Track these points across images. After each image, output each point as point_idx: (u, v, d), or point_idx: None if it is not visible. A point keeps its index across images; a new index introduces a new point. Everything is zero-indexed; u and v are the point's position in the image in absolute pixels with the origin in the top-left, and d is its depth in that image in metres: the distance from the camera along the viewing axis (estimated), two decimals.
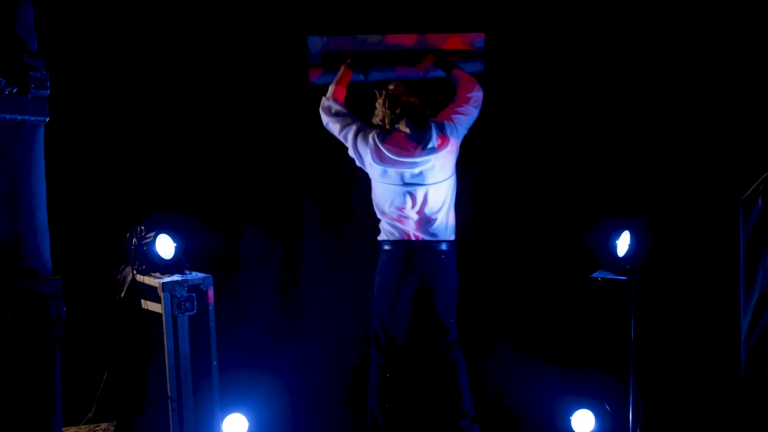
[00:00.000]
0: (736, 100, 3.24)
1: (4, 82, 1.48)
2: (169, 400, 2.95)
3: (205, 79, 3.70)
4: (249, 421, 3.29)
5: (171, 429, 2.95)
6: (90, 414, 3.13)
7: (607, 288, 3.21)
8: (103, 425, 3.04)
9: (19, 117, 1.56)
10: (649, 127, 3.44)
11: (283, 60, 3.71)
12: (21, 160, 1.61)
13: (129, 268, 3.13)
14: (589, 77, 3.58)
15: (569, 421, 3.22)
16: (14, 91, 1.48)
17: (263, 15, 3.69)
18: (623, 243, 3.15)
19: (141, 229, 3.13)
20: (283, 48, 3.70)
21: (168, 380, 2.94)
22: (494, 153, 3.74)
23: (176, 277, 3.01)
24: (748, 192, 1.92)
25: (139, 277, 3.06)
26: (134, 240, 3.10)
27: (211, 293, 3.07)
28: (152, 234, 3.09)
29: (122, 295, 3.13)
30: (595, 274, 3.16)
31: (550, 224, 3.69)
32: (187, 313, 2.99)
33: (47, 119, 1.68)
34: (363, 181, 3.36)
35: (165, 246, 3.07)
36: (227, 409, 3.23)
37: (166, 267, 3.07)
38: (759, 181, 1.89)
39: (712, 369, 3.07)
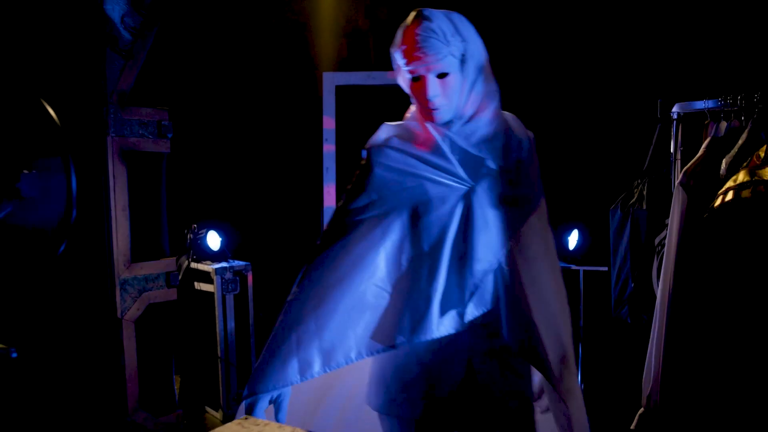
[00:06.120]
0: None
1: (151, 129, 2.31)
2: (218, 360, 3.74)
3: (238, 114, 4.35)
4: None
5: (220, 382, 3.73)
6: None
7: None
8: None
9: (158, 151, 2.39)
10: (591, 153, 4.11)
11: (303, 93, 4.32)
12: (159, 181, 2.43)
13: (184, 258, 3.91)
14: (549, 101, 4.06)
15: None
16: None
17: (292, 58, 4.33)
18: (573, 238, 3.94)
19: (194, 227, 3.92)
20: (303, 83, 4.32)
21: (218, 344, 3.68)
22: None
23: (224, 264, 3.74)
24: (614, 204, 2.75)
25: (194, 264, 3.82)
26: (189, 236, 3.88)
27: (250, 277, 3.80)
28: (204, 231, 3.87)
29: (180, 278, 3.92)
30: None
31: None
32: (232, 293, 3.72)
33: (168, 152, 2.50)
34: None
35: (214, 240, 3.82)
36: None
37: (215, 256, 3.82)
38: (619, 198, 2.73)
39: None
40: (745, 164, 1.97)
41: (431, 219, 1.61)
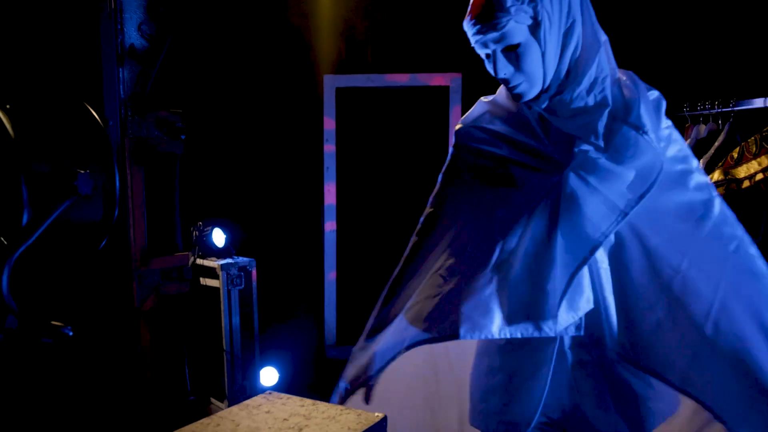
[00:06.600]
0: None
1: (165, 130, 2.45)
2: (224, 353, 3.85)
3: (242, 116, 4.45)
4: (279, 373, 4.04)
5: (225, 374, 3.83)
6: None
7: None
8: None
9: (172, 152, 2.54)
10: None
11: (304, 95, 4.43)
12: (172, 180, 2.58)
13: (190, 254, 4.03)
14: None
15: None
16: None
17: (294, 62, 4.45)
18: None
19: (200, 224, 4.05)
20: (304, 85, 4.44)
21: (223, 338, 3.78)
22: None
23: (229, 260, 3.83)
24: None
25: (199, 261, 3.91)
26: (195, 233, 4.01)
27: (254, 273, 3.91)
28: (209, 228, 3.99)
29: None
30: None
31: None
32: (237, 288, 3.80)
33: (181, 152, 2.64)
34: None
35: (218, 237, 3.91)
36: (263, 363, 4.03)
37: (220, 253, 3.91)
38: None
39: None
40: (720, 164, 2.13)
41: (516, 205, 1.34)
